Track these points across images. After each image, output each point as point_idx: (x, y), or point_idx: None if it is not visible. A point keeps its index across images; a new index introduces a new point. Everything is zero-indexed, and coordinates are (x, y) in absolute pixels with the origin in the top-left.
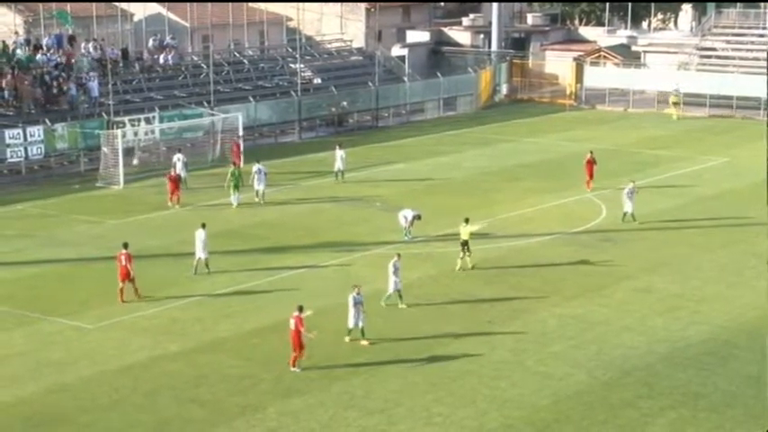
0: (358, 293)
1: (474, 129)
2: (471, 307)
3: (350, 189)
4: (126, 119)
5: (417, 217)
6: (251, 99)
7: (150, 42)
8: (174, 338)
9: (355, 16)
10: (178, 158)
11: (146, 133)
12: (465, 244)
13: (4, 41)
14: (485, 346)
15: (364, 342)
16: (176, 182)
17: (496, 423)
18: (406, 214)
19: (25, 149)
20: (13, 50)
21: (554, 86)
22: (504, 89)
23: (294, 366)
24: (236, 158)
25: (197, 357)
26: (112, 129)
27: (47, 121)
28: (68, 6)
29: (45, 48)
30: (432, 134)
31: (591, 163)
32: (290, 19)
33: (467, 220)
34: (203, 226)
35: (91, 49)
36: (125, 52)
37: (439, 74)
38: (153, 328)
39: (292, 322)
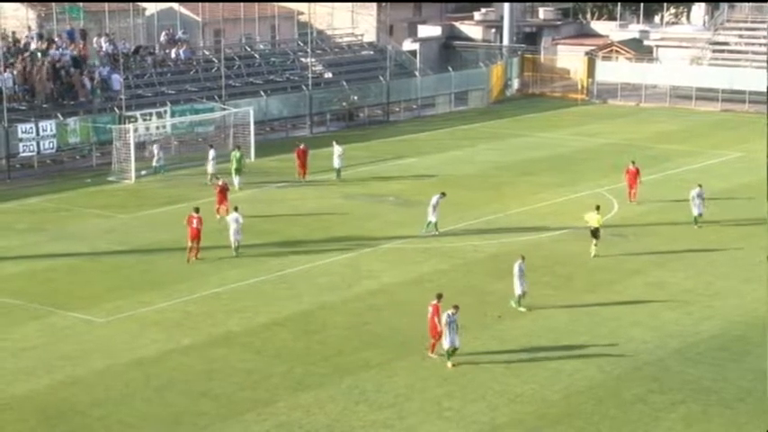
0: (454, 313)
1: (485, 123)
2: (482, 301)
3: (361, 184)
4: (138, 113)
5: (442, 194)
6: (262, 93)
7: (162, 37)
8: (185, 332)
9: (367, 11)
10: (212, 156)
11: (157, 128)
12: (595, 232)
13: (14, 32)
14: (495, 341)
15: (449, 364)
16: (224, 192)
17: (507, 418)
18: (432, 202)
19: (38, 144)
20: (26, 45)
21: (566, 81)
22: (515, 84)
23: (432, 353)
24: (300, 168)
25: (208, 351)
26: (124, 123)
27: (59, 115)
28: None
29: (57, 42)
30: (443, 129)
31: (634, 174)
32: (302, 13)
33: (597, 208)
34: (236, 209)
35: (103, 44)
36: (137, 47)
37: (450, 68)
38: (164, 321)
39: (430, 310)
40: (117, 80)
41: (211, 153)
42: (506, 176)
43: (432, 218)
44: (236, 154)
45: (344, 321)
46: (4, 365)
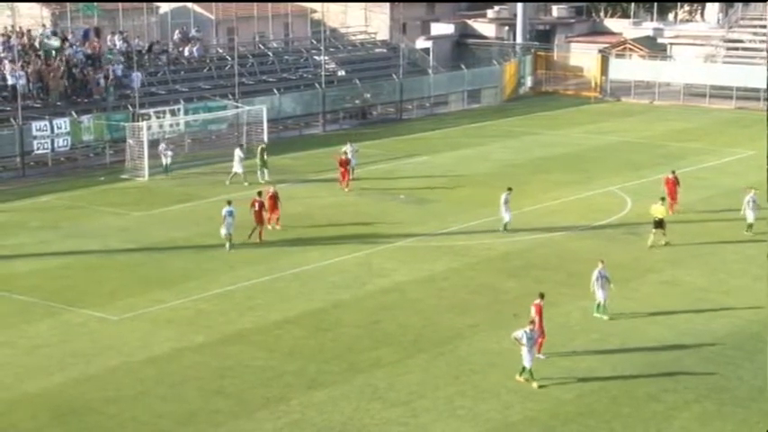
0: (532, 330)
1: (498, 121)
2: (495, 300)
3: (374, 182)
4: (151, 111)
5: (509, 190)
6: (275, 91)
7: (176, 35)
8: (198, 330)
9: (380, 9)
10: (239, 156)
11: (171, 125)
12: (660, 223)
13: (29, 30)
14: (509, 340)
15: (534, 384)
16: (275, 201)
17: (520, 416)
18: (502, 200)
19: (52, 141)
20: (41, 42)
21: (579, 79)
22: (528, 81)
23: (539, 353)
24: (342, 175)
25: (221, 349)
26: (138, 121)
27: (73, 113)
28: None
29: (71, 40)
30: (456, 127)
31: (673, 183)
32: (315, 11)
33: (663, 199)
34: (229, 203)
35: (117, 42)
36: (151, 45)
37: (463, 66)
38: (177, 319)
39: (533, 309)
40: (137, 78)
41: (239, 153)
42: (519, 174)
43: (506, 217)
44: (259, 150)
45: (357, 319)
46: (18, 362)
